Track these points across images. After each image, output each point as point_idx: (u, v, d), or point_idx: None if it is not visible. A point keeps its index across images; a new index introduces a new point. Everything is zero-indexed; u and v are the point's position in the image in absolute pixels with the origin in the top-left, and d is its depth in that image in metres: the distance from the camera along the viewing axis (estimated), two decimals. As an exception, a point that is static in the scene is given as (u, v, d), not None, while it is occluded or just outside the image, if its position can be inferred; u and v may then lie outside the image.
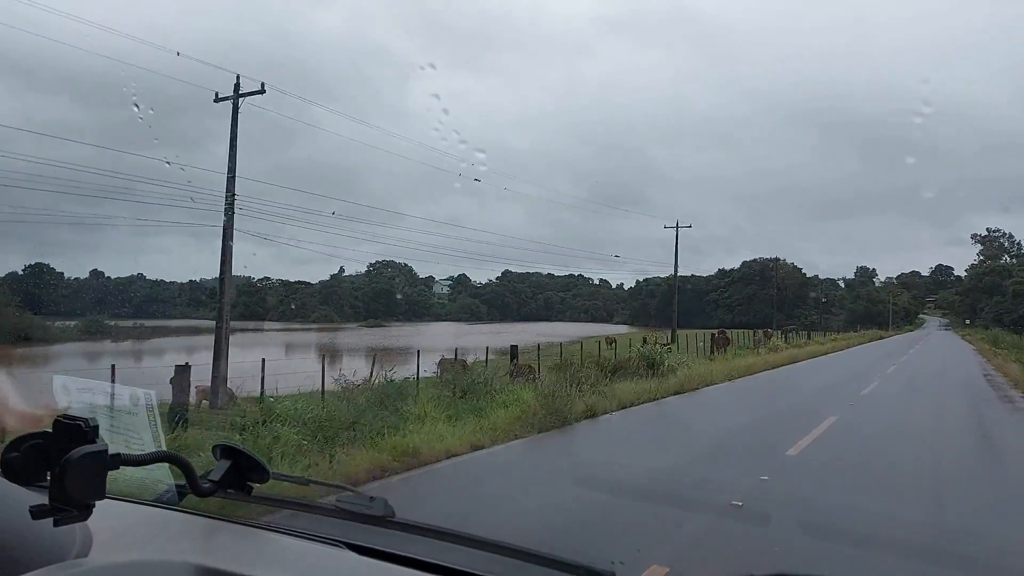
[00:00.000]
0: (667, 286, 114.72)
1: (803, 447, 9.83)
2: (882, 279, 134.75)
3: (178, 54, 22.77)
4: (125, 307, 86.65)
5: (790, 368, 28.41)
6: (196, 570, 1.21)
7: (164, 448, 1.48)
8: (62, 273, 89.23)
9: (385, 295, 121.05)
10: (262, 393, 14.65)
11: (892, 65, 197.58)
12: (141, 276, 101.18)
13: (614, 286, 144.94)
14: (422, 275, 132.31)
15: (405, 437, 9.19)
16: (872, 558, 5.06)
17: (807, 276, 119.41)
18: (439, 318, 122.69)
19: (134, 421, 1.58)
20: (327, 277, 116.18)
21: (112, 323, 71.16)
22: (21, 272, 78.98)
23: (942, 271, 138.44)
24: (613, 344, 31.94)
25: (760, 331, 49.02)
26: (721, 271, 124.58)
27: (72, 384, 1.61)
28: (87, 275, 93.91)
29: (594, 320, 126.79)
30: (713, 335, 35.36)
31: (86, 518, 1.04)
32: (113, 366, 17.10)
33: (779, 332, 55.97)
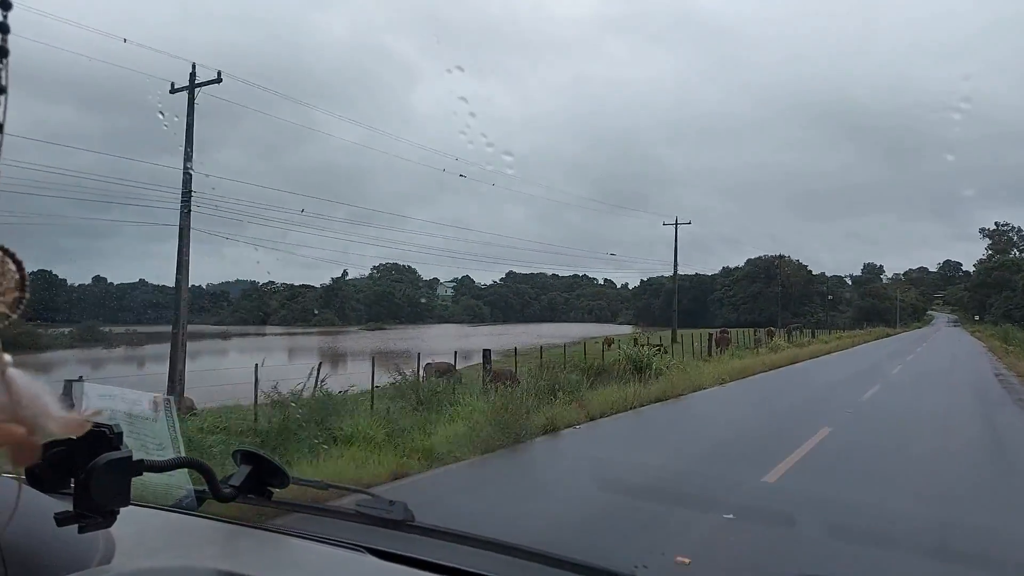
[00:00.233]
0: (671, 285, 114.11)
1: (784, 470, 8.27)
2: (889, 276, 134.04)
3: (181, 58, 21.45)
4: (126, 313, 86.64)
5: (788, 370, 26.72)
6: (218, 575, 1.23)
7: (183, 454, 1.49)
8: (65, 280, 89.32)
9: (387, 298, 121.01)
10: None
11: (898, 62, 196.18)
12: (143, 282, 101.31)
13: (619, 286, 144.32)
14: (427, 278, 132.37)
15: (318, 466, 7.87)
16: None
17: (813, 273, 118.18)
18: (442, 320, 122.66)
19: (154, 427, 1.52)
20: (333, 280, 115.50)
21: (107, 329, 70.67)
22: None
23: (950, 267, 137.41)
24: (611, 345, 30.68)
25: (762, 330, 47.50)
26: (726, 269, 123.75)
27: (92, 390, 1.52)
28: (90, 281, 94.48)
29: (598, 321, 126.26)
30: (711, 335, 33.90)
31: (110, 524, 1.02)
32: (80, 377, 15.75)
33: (783, 331, 54.60)
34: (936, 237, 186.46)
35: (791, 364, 29.05)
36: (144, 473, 1.10)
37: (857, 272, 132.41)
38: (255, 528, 1.53)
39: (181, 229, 20.20)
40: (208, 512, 1.55)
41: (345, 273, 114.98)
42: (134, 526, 1.24)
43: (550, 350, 26.67)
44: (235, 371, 17.83)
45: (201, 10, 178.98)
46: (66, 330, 64.83)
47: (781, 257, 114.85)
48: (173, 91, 20.62)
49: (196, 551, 1.42)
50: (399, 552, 1.39)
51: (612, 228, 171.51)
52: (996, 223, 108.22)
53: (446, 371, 24.36)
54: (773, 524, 5.99)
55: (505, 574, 1.32)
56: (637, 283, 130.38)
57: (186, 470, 1.43)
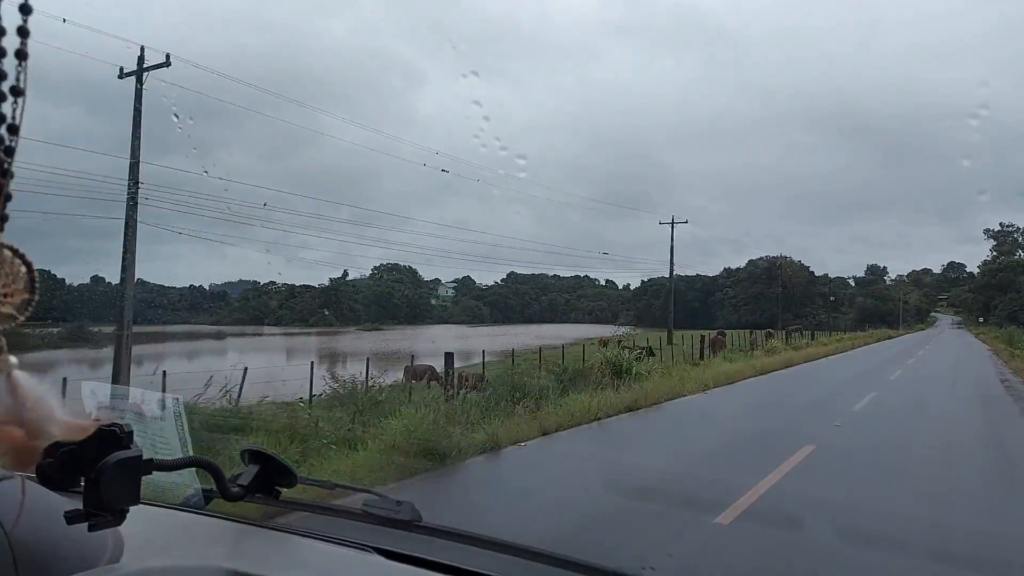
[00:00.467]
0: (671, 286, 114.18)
1: (746, 506, 6.61)
2: (893, 277, 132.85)
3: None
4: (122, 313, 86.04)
5: (780, 375, 25.07)
6: (227, 574, 1.24)
7: (191, 453, 1.55)
8: (63, 279, 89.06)
9: (385, 299, 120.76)
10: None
11: (903, 64, 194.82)
12: (141, 281, 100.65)
13: (620, 287, 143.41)
14: (428, 278, 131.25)
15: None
16: None
17: (815, 275, 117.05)
18: (441, 321, 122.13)
19: (162, 427, 1.60)
20: (334, 281, 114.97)
21: (96, 329, 69.97)
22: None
23: (954, 268, 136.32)
24: (606, 346, 29.39)
25: (759, 332, 46.03)
26: (727, 270, 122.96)
27: (101, 390, 1.65)
28: (88, 281, 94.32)
29: (599, 322, 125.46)
30: (703, 336, 32.45)
31: (120, 523, 1.04)
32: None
33: (782, 332, 53.17)
34: (940, 239, 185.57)
35: (784, 368, 27.44)
36: (153, 472, 1.11)
37: (861, 274, 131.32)
38: (263, 527, 1.54)
39: (127, 223, 18.86)
40: (216, 511, 1.56)
41: (346, 273, 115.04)
42: (143, 525, 1.24)
43: (545, 351, 25.29)
44: (196, 374, 16.55)
45: (205, 13, 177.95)
46: (54, 330, 64.08)
47: (782, 258, 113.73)
48: (122, 75, 19.31)
49: (204, 550, 1.42)
50: (406, 552, 1.39)
51: (615, 229, 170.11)
52: (1001, 224, 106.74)
53: (425, 374, 23.13)
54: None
55: (511, 574, 1.31)
56: (638, 284, 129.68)
57: (194, 469, 1.45)
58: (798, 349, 39.27)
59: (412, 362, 23.58)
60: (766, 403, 17.60)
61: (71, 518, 0.99)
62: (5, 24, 0.61)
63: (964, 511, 7.25)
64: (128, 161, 18.95)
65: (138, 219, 18.82)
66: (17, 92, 0.62)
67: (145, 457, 1.04)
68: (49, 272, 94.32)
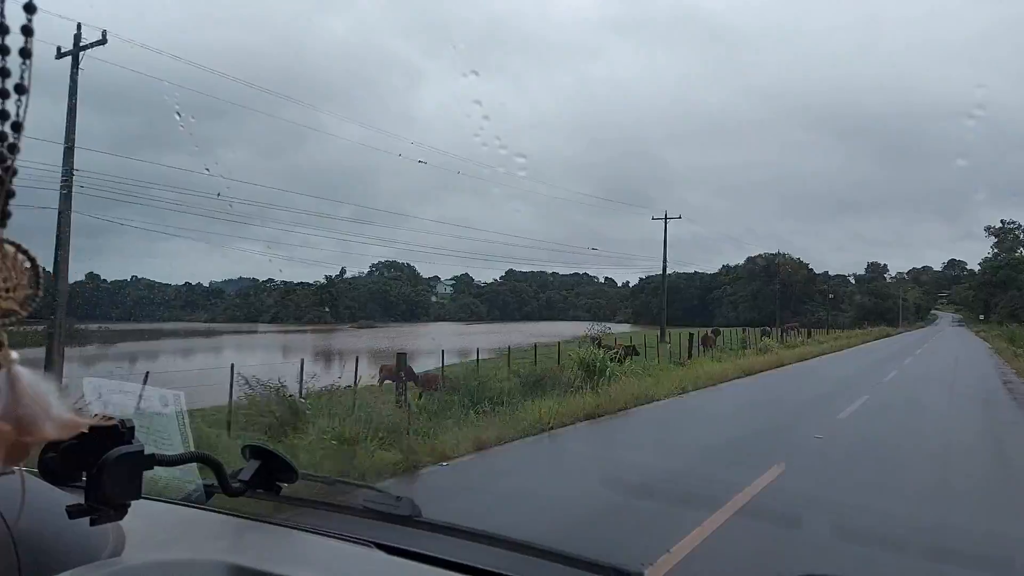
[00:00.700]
0: (670, 283, 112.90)
1: (683, 553, 5.18)
2: (893, 275, 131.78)
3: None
4: (116, 311, 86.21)
5: (767, 376, 23.62)
6: (228, 569, 1.23)
7: (192, 448, 1.61)
8: (42, 278, 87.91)
9: (381, 296, 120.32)
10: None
11: (904, 62, 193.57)
12: (136, 279, 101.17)
13: (620, 284, 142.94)
14: (428, 276, 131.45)
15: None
16: None
17: (814, 272, 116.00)
18: (438, 318, 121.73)
19: (164, 422, 1.64)
20: (332, 278, 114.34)
21: (82, 327, 69.28)
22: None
23: (955, 266, 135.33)
24: (599, 344, 28.08)
25: (755, 329, 44.71)
26: (725, 267, 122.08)
27: (104, 386, 1.66)
28: (83, 278, 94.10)
29: (597, 319, 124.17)
30: (691, 335, 31.11)
31: (122, 517, 1.05)
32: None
33: (779, 330, 51.89)
34: (941, 237, 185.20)
35: (773, 368, 26.01)
36: (155, 467, 1.12)
37: (861, 272, 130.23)
38: (264, 522, 1.54)
39: (60, 215, 17.51)
40: (217, 506, 1.57)
41: (343, 271, 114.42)
42: (144, 519, 1.26)
43: (521, 349, 24.03)
44: (139, 375, 15.32)
45: (204, 12, 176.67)
46: (38, 327, 63.13)
47: (780, 255, 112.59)
48: (59, 56, 17.99)
49: (205, 545, 1.41)
50: (406, 547, 1.40)
51: (614, 227, 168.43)
52: (1002, 221, 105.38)
53: (408, 375, 21.91)
54: None
55: (512, 570, 1.31)
56: (637, 282, 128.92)
57: (196, 464, 1.50)
58: (792, 348, 37.99)
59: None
60: (743, 409, 16.04)
61: (73, 512, 1.00)
62: (9, 23, 0.62)
63: (964, 564, 5.34)
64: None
65: (73, 209, 17.49)
66: (21, 90, 0.62)
67: (147, 452, 1.05)
68: (143, 282, 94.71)
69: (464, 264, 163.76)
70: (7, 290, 0.65)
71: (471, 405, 12.17)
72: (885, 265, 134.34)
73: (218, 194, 24.87)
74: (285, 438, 8.95)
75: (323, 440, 8.02)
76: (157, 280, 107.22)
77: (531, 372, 16.20)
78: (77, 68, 17.62)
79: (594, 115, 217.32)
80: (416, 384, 17.50)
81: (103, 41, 17.47)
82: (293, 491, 1.52)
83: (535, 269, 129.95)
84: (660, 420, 13.89)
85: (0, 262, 0.65)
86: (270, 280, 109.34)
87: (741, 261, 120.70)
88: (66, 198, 17.34)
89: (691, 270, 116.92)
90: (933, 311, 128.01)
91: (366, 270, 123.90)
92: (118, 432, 1.00)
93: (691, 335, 30.72)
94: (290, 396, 10.82)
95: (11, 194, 0.63)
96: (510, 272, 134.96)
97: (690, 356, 28.71)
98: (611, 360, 18.56)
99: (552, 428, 11.49)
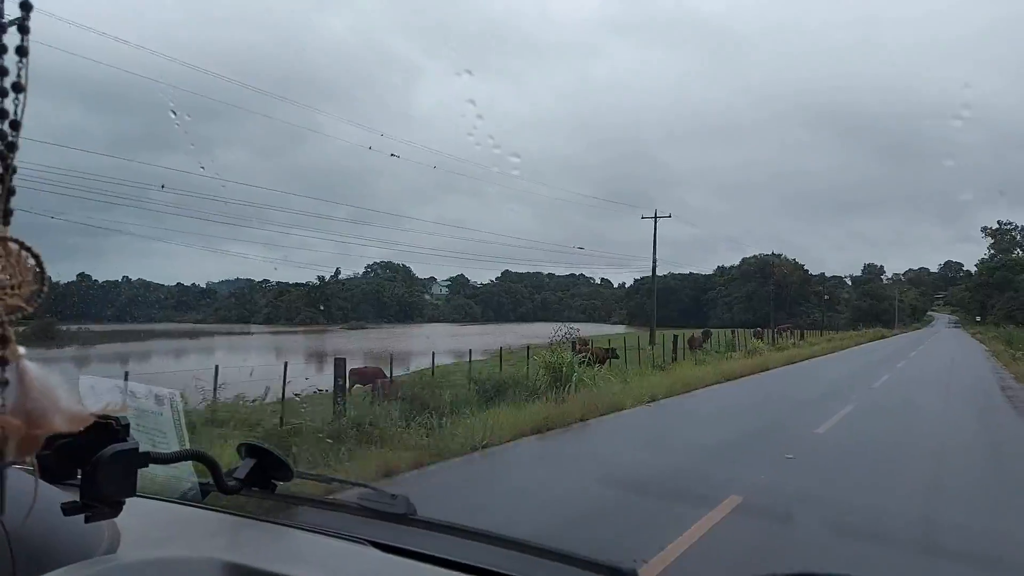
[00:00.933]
0: (664, 284, 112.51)
1: None
2: (890, 276, 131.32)
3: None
4: (109, 311, 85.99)
5: (748, 381, 22.27)
6: (223, 567, 1.24)
7: (188, 446, 1.56)
8: (49, 277, 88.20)
9: (374, 297, 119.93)
10: None
11: (900, 63, 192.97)
12: (127, 279, 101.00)
13: (616, 285, 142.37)
14: (424, 277, 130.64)
15: None
16: None
17: (810, 273, 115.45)
18: (432, 320, 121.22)
19: (159, 420, 1.61)
20: (326, 279, 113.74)
21: (64, 327, 68.66)
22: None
23: (951, 267, 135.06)
24: (586, 346, 27.04)
25: (744, 331, 43.66)
26: (720, 268, 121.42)
27: (98, 384, 1.62)
28: (74, 279, 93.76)
29: (592, 320, 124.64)
30: (675, 337, 30.03)
31: (116, 515, 1.06)
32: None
33: (772, 331, 50.90)
34: (938, 238, 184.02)
35: (757, 373, 24.77)
36: (150, 465, 1.12)
37: (858, 273, 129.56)
38: (259, 520, 1.53)
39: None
40: (213, 504, 1.56)
41: (338, 271, 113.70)
42: (139, 517, 1.26)
43: (520, 351, 22.96)
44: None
45: (200, 11, 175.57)
46: (20, 328, 62.55)
47: (775, 256, 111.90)
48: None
49: (200, 543, 1.41)
50: (401, 545, 1.39)
51: (613, 227, 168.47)
52: (999, 222, 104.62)
53: (375, 377, 20.92)
54: None
55: (506, 568, 1.31)
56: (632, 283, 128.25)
57: (191, 462, 1.49)
58: (782, 350, 37.00)
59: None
60: (710, 421, 14.52)
61: (68, 509, 1.00)
62: (5, 21, 0.63)
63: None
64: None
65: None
66: (19, 88, 0.63)
67: (142, 450, 1.05)
68: (134, 282, 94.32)
69: (461, 265, 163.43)
70: (13, 287, 0.67)
71: (412, 417, 11.03)
72: (882, 266, 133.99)
73: (162, 186, 24.33)
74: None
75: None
76: (151, 280, 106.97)
77: (490, 377, 15.02)
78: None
79: (593, 115, 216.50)
80: (373, 391, 16.60)
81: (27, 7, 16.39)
82: (288, 489, 1.51)
83: (531, 270, 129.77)
84: (612, 436, 12.43)
85: (5, 260, 0.66)
86: (266, 281, 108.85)
87: (737, 262, 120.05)
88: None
89: (687, 271, 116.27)
90: (929, 312, 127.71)
91: (361, 271, 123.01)
92: (113, 429, 0.99)
93: (675, 337, 29.64)
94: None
95: (12, 192, 0.64)
96: (506, 273, 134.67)
97: (674, 359, 27.65)
98: (581, 364, 17.49)
99: (487, 446, 10.05)
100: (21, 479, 0.87)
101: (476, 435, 10.15)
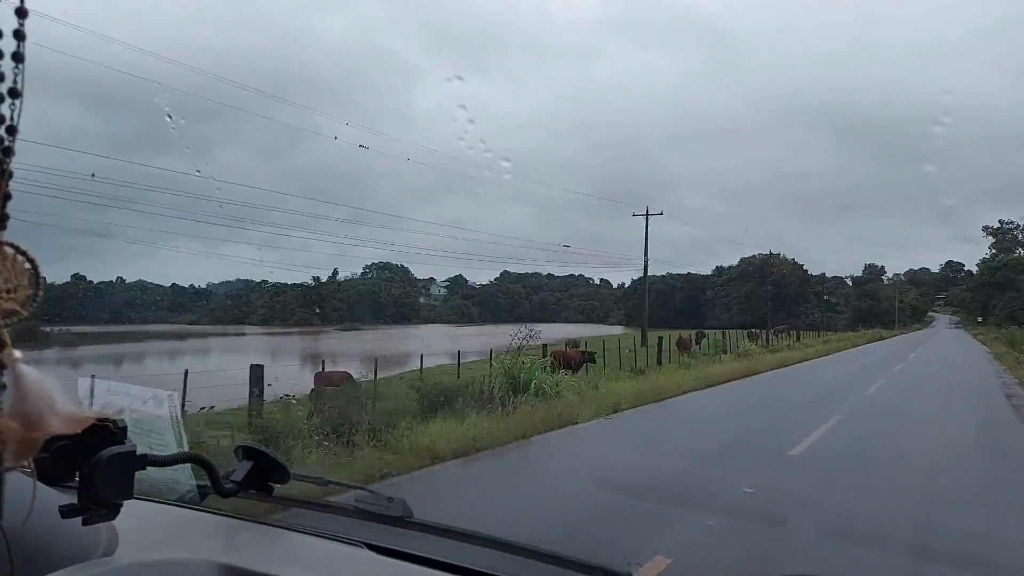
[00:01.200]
0: (662, 285, 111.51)
1: None
2: (891, 276, 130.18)
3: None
4: (104, 312, 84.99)
5: (728, 388, 20.64)
6: (221, 569, 1.24)
7: (186, 449, 1.57)
8: (43, 278, 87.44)
9: (370, 297, 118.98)
10: None
11: (900, 63, 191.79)
12: (121, 280, 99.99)
13: (615, 286, 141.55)
14: (423, 277, 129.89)
15: None
16: None
17: (810, 273, 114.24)
18: (429, 320, 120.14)
19: (157, 423, 1.60)
20: (322, 279, 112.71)
21: (48, 329, 67.48)
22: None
23: (952, 267, 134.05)
24: (576, 348, 26.00)
25: (738, 332, 42.25)
26: (719, 268, 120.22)
27: (96, 386, 1.61)
28: (68, 280, 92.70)
29: (590, 321, 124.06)
30: (660, 339, 28.60)
31: (114, 517, 1.06)
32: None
33: (767, 333, 49.50)
34: (939, 239, 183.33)
35: (742, 378, 23.24)
36: (147, 467, 1.12)
37: (858, 273, 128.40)
38: (256, 523, 1.53)
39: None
40: (210, 507, 1.56)
41: (336, 272, 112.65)
42: (137, 519, 1.25)
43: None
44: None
45: (197, 11, 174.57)
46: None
47: (773, 255, 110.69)
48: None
49: (198, 545, 1.41)
50: (397, 548, 1.40)
51: (612, 227, 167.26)
52: (1001, 221, 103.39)
53: (341, 381, 19.57)
54: None
55: (501, 570, 1.31)
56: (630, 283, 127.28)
57: (189, 465, 1.50)
58: (775, 352, 35.55)
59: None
60: (670, 439, 12.59)
61: (66, 512, 1.00)
62: (2, 27, 0.64)
63: None
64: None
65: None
66: (15, 94, 0.64)
67: (139, 452, 1.05)
68: (129, 283, 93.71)
69: (459, 266, 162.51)
70: (8, 291, 0.67)
71: (326, 435, 9.51)
72: (882, 267, 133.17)
73: (92, 175, 23.58)
74: None
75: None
76: (148, 281, 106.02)
77: (436, 386, 13.51)
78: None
79: (592, 115, 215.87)
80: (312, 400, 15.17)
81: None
82: (285, 491, 1.49)
83: (530, 271, 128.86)
84: (541, 462, 10.62)
85: (0, 264, 0.67)
86: (264, 282, 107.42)
87: (735, 262, 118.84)
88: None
89: (685, 271, 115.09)
90: (930, 313, 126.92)
91: (359, 271, 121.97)
92: (110, 432, 0.99)
93: (659, 339, 28.19)
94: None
95: (8, 196, 0.64)
96: (505, 273, 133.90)
97: (659, 362, 26.18)
98: (544, 369, 16.05)
99: (387, 476, 8.30)
100: (19, 482, 0.86)
101: (381, 462, 8.57)
